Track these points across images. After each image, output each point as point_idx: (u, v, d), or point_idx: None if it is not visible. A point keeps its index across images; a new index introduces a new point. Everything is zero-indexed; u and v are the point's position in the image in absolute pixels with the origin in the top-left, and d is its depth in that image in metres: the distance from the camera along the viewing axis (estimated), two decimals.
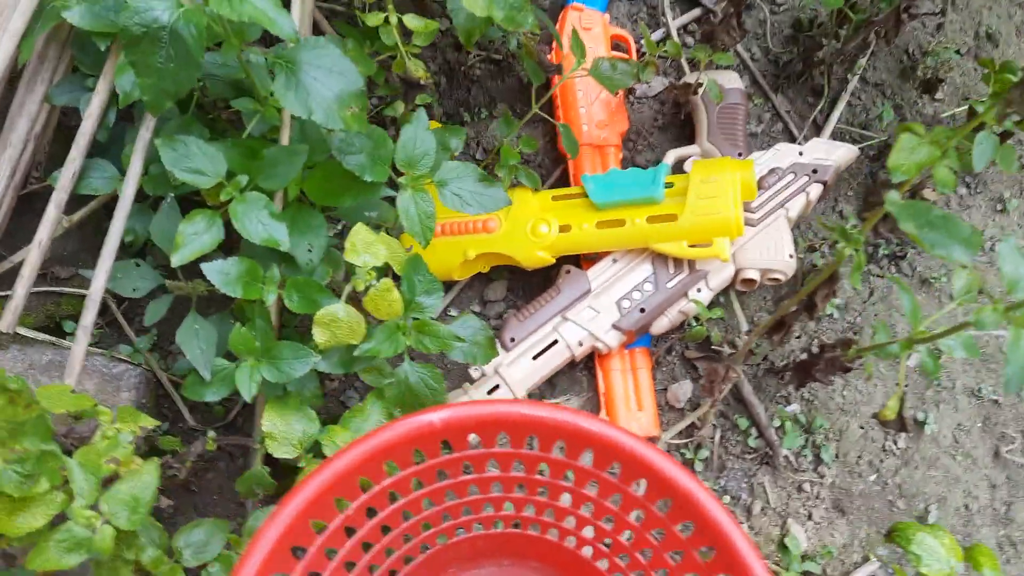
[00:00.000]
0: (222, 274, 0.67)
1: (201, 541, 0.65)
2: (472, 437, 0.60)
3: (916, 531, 0.67)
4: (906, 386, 0.92)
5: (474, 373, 0.87)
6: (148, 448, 0.79)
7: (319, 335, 0.67)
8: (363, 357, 0.70)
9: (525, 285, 0.97)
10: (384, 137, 0.71)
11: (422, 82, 0.80)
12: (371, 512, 0.62)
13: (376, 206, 0.75)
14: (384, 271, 0.71)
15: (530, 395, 0.90)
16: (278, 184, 0.69)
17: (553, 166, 1.00)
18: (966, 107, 0.97)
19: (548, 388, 0.93)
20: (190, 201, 0.74)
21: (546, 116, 0.91)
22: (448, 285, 0.96)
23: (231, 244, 0.70)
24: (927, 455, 0.91)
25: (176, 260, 0.65)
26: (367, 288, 0.67)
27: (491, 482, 0.67)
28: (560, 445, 0.60)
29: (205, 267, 0.67)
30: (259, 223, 0.67)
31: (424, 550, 0.74)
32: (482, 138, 1.00)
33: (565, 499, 0.69)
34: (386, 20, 0.73)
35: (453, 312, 0.96)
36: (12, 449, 0.41)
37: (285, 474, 0.74)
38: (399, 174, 0.73)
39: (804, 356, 0.87)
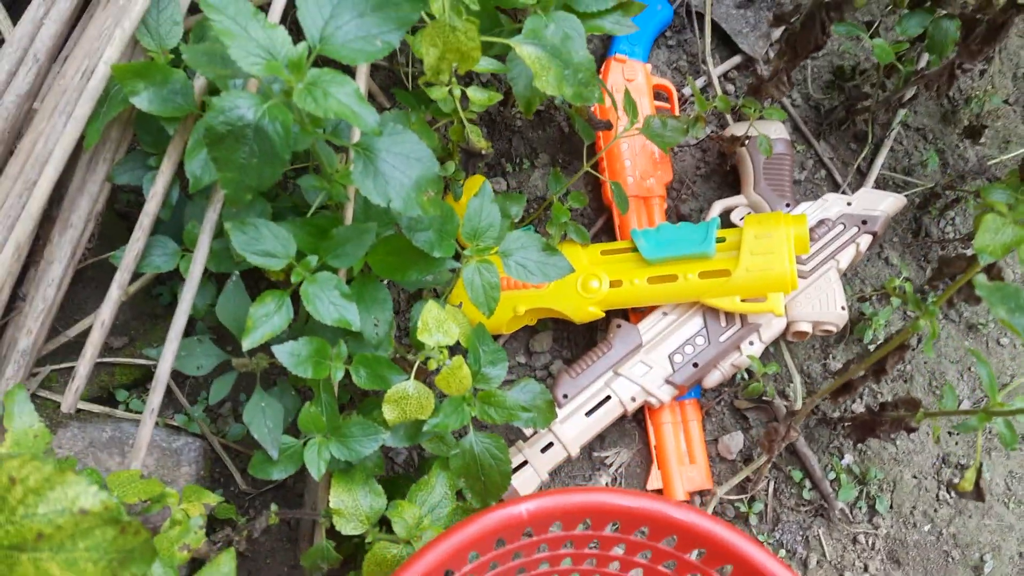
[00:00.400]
0: (293, 356, 0.67)
1: None
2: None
3: None
4: (980, 453, 0.93)
5: (527, 431, 0.87)
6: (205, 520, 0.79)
7: (389, 412, 0.67)
8: (430, 432, 0.70)
9: (571, 335, 0.97)
10: (452, 212, 0.71)
11: (483, 152, 0.80)
12: None
13: (441, 273, 0.75)
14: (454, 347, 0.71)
15: (582, 449, 0.90)
16: (347, 262, 0.69)
17: (596, 215, 1.00)
18: (1012, 154, 0.98)
19: (598, 441, 0.93)
20: (252, 276, 0.74)
21: (591, 170, 0.91)
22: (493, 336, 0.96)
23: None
24: (980, 504, 0.91)
25: (247, 343, 0.65)
26: (439, 367, 0.67)
27: (563, 558, 0.67)
28: (643, 530, 0.60)
29: (276, 349, 0.66)
30: (330, 304, 0.67)
31: None
32: (524, 188, 1.00)
33: (635, 573, 0.68)
34: (449, 92, 0.73)
35: None
36: None
37: (349, 546, 0.74)
38: (463, 245, 0.72)
39: (862, 409, 0.87)
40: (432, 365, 0.66)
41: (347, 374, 0.70)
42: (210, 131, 0.57)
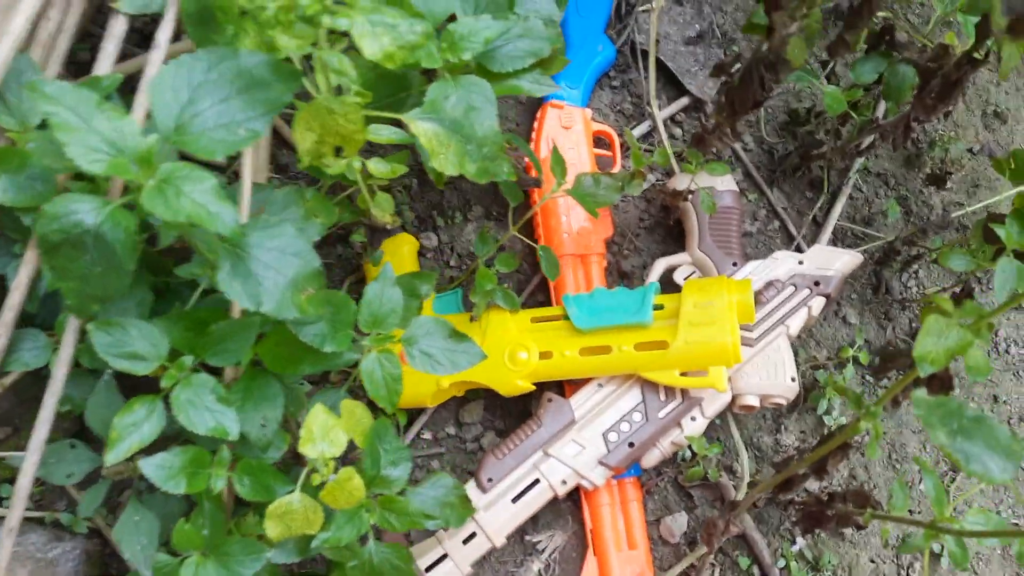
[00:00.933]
0: (162, 469, 0.60)
1: None
2: None
3: None
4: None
5: None
6: None
7: (272, 529, 0.60)
8: (321, 547, 0.63)
9: (504, 404, 0.90)
10: (346, 302, 0.64)
11: (388, 226, 0.72)
12: None
13: (339, 366, 0.68)
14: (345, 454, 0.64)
15: (509, 537, 0.83)
16: (227, 361, 0.62)
17: (533, 272, 0.93)
18: (979, 204, 0.91)
19: (530, 523, 0.86)
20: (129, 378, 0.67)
21: (517, 235, 0.84)
22: (419, 409, 0.89)
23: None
24: None
25: (111, 458, 0.58)
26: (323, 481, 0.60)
27: None
28: None
29: (143, 464, 0.60)
30: (205, 410, 0.60)
31: None
32: (456, 243, 0.93)
33: None
34: (348, 166, 0.66)
35: (427, 435, 0.89)
36: None
37: None
38: (361, 333, 0.66)
39: (811, 499, 0.80)
40: (316, 480, 0.59)
41: None
42: (43, 240, 0.50)
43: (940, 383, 0.61)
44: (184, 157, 0.53)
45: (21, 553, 0.67)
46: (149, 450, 0.60)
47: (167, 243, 0.59)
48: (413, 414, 0.89)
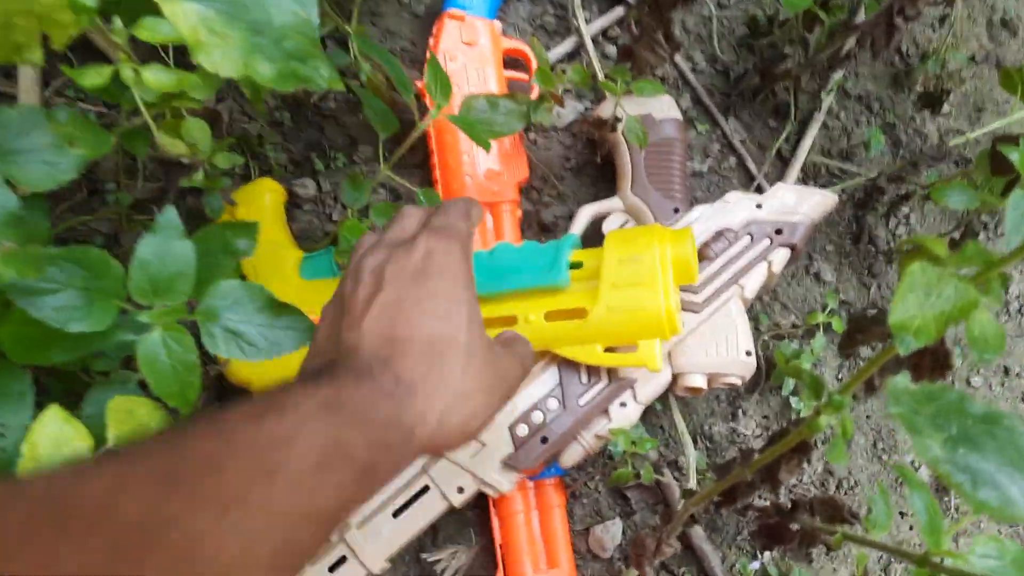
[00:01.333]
0: None
1: None
2: None
3: None
4: None
5: None
6: None
7: None
8: None
9: None
10: (104, 263, 0.46)
11: (185, 161, 0.54)
12: None
13: (109, 348, 0.51)
14: None
15: (392, 561, 0.66)
16: None
17: None
18: (984, 130, 0.72)
19: (429, 534, 0.69)
20: None
21: (391, 174, 0.66)
22: None
23: None
24: None
25: None
26: None
27: None
28: None
29: None
30: None
31: None
32: (339, 192, 0.75)
33: None
34: (115, 76, 0.48)
35: None
36: None
37: None
38: (138, 306, 0.48)
39: (770, 507, 0.63)
40: None
41: None
42: None
43: (932, 362, 0.43)
44: None
45: None
46: None
47: None
48: None
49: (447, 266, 0.44)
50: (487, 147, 0.61)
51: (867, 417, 0.70)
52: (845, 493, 0.69)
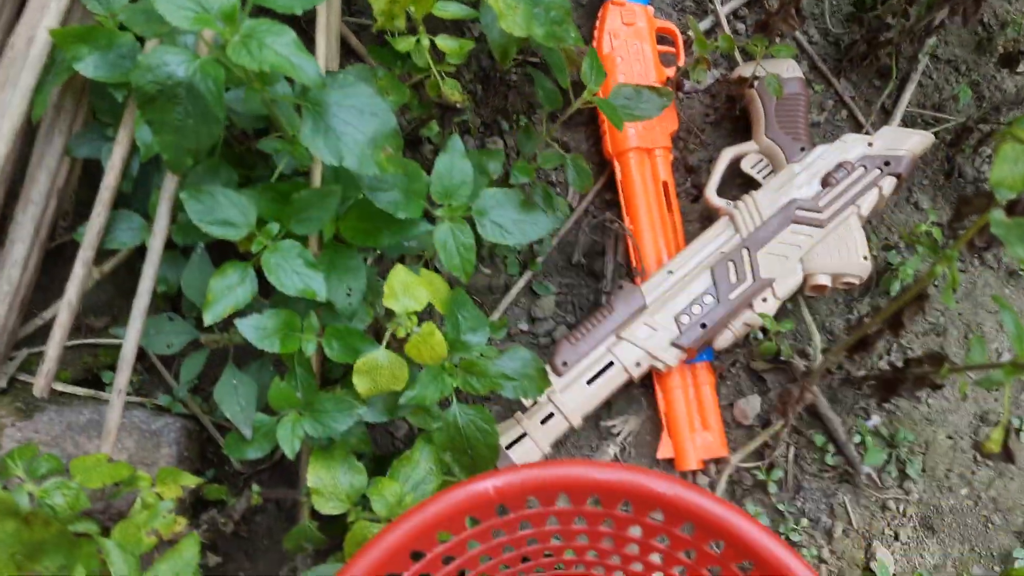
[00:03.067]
0: (258, 329, 0.64)
1: None
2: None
3: None
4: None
5: (526, 401, 0.83)
6: (194, 500, 0.77)
7: (360, 384, 0.64)
8: (408, 404, 0.66)
9: (575, 299, 0.92)
10: (418, 171, 0.66)
11: (458, 105, 0.75)
12: None
13: (415, 236, 0.71)
14: (426, 312, 0.67)
15: (586, 419, 0.85)
16: (311, 229, 0.65)
17: (599, 171, 0.94)
18: None
19: (604, 409, 0.88)
20: (222, 247, 0.70)
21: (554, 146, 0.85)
22: (493, 302, 0.92)
23: (266, 289, 0.67)
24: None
25: (209, 318, 0.62)
26: (408, 334, 0.63)
27: (551, 535, 0.62)
28: (625, 503, 0.55)
29: (240, 323, 0.63)
30: (294, 273, 0.63)
31: None
32: (521, 152, 0.95)
33: (632, 547, 0.64)
34: (417, 42, 0.68)
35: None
36: (32, 572, 0.38)
37: (334, 525, 0.71)
38: (435, 205, 0.68)
39: (886, 367, 0.81)
40: (401, 332, 0.62)
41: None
42: (139, 91, 0.53)
43: (1020, 208, 0.60)
44: (263, 13, 0.55)
45: (127, 424, 0.72)
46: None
47: (250, 110, 0.62)
48: (487, 310, 0.92)
49: None
50: (620, 127, 0.76)
51: (959, 314, 0.87)
52: None
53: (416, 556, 0.56)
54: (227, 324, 0.70)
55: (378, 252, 0.81)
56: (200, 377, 0.83)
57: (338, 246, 0.69)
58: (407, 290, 0.63)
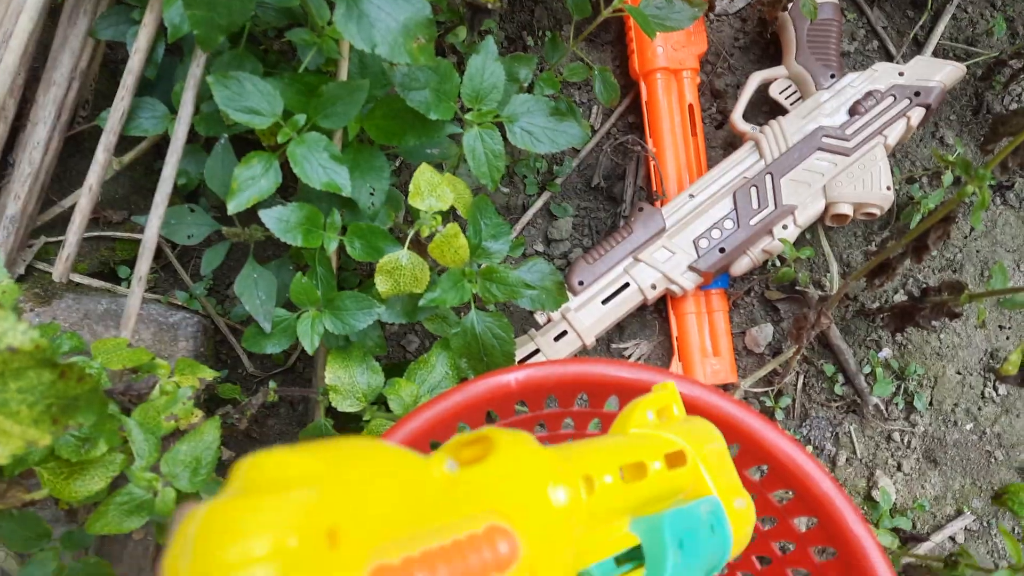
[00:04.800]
0: (281, 221, 0.63)
1: None
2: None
3: None
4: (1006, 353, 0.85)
5: (540, 318, 0.83)
6: (207, 397, 0.77)
7: (382, 284, 0.63)
8: (427, 307, 0.66)
9: (593, 221, 0.91)
10: (451, 70, 0.65)
11: (489, 6, 0.73)
12: None
13: (439, 143, 0.70)
14: (449, 215, 0.66)
15: (598, 341, 0.85)
16: (338, 123, 0.64)
17: (624, 92, 0.93)
18: None
19: (616, 332, 0.88)
20: (245, 141, 0.70)
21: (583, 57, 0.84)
22: (511, 221, 0.91)
23: (288, 187, 0.66)
24: None
25: (232, 207, 0.61)
26: (432, 234, 0.62)
27: (566, 438, 0.63)
28: None
29: (263, 214, 0.63)
30: (319, 166, 0.62)
31: None
32: (547, 65, 0.93)
33: None
34: None
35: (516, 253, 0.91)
36: (66, 426, 0.38)
37: (350, 424, 0.71)
38: (464, 109, 0.67)
39: (902, 298, 0.81)
40: (425, 232, 0.62)
41: (345, 253, 0.66)
42: None
43: None
44: None
45: (144, 316, 0.72)
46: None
47: (280, 1, 0.61)
48: None
49: None
50: (652, 36, 0.75)
51: (976, 252, 0.87)
52: None
53: (435, 447, 0.56)
54: (248, 219, 0.70)
55: (398, 161, 0.81)
56: (215, 279, 0.83)
57: (362, 145, 0.68)
58: (433, 189, 0.62)
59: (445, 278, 0.66)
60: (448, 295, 0.66)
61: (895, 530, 0.79)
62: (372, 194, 0.67)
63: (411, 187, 0.62)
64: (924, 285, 0.85)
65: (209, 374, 0.67)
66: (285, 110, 0.63)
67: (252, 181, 0.62)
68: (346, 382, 0.66)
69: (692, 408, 0.52)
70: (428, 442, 0.54)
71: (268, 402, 0.74)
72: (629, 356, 0.88)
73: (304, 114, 0.63)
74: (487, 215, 0.68)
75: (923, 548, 0.79)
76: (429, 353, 0.69)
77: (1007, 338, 0.85)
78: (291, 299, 0.65)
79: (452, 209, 0.67)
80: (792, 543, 0.56)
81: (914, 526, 0.81)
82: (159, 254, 0.81)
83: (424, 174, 0.63)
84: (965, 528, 0.81)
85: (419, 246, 0.66)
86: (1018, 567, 0.63)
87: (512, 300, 0.68)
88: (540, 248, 0.91)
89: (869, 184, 0.81)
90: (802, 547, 0.55)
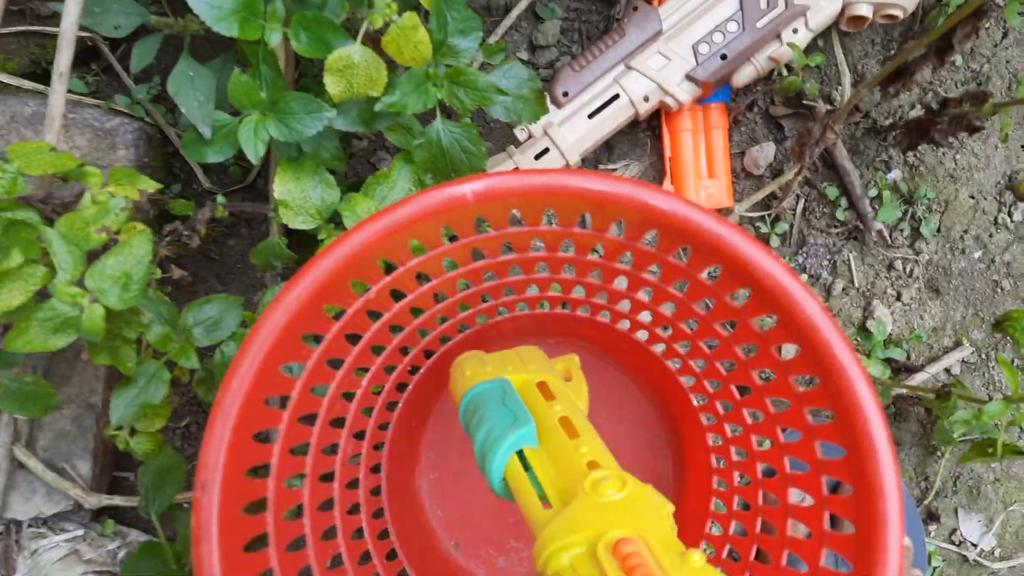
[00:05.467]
0: (212, 7, 0.55)
1: (213, 318, 0.58)
2: (514, 213, 0.50)
3: None
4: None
5: (520, 134, 0.76)
6: (158, 213, 0.72)
7: (332, 84, 0.56)
8: (386, 112, 0.59)
9: (583, 25, 0.82)
10: None
11: None
12: (397, 295, 0.54)
13: None
14: (411, 3, 0.58)
15: (584, 160, 0.79)
16: None
17: None
18: None
19: (604, 151, 0.81)
20: None
21: None
22: (491, 24, 0.82)
23: None
24: None
25: None
26: (386, 25, 0.54)
27: (536, 262, 0.58)
28: (619, 223, 0.50)
29: (192, 1, 0.54)
30: None
31: (462, 330, 0.67)
32: None
33: (620, 282, 0.60)
34: None
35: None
36: None
37: (306, 244, 0.66)
38: None
39: (918, 112, 0.73)
40: (377, 22, 0.54)
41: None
42: None
43: None
44: None
45: (77, 121, 0.65)
46: None
47: None
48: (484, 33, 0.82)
49: None
50: None
51: (1007, 62, 0.78)
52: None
53: (387, 267, 0.51)
54: (184, 8, 0.62)
55: None
56: (162, 83, 0.75)
57: None
58: None
59: (405, 79, 0.58)
60: (409, 99, 0.58)
61: (887, 360, 0.75)
62: None
63: None
64: (944, 98, 0.77)
65: (150, 185, 0.61)
66: None
67: None
68: (297, 196, 0.60)
69: (668, 225, 0.46)
70: (377, 260, 0.49)
71: (222, 219, 0.68)
72: None
73: None
74: (454, 5, 0.60)
75: (916, 379, 0.76)
76: (390, 167, 0.62)
77: None
78: (229, 99, 0.58)
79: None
80: (774, 372, 0.51)
81: (909, 357, 0.78)
82: (97, 55, 0.73)
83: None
84: (963, 360, 0.78)
85: (376, 42, 0.58)
86: (1014, 398, 0.60)
87: (483, 107, 0.61)
88: (524, 56, 0.83)
89: None
90: (783, 376, 0.51)
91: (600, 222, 0.50)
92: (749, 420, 0.60)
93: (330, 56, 0.55)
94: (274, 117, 0.58)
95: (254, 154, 0.58)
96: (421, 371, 0.68)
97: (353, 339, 0.54)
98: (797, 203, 0.79)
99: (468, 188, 0.46)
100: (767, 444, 0.58)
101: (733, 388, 0.60)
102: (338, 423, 0.58)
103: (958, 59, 0.78)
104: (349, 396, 0.58)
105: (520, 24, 0.82)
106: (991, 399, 0.69)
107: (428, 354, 0.67)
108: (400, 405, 0.67)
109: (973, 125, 0.62)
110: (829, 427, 0.47)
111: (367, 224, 0.46)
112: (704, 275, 0.51)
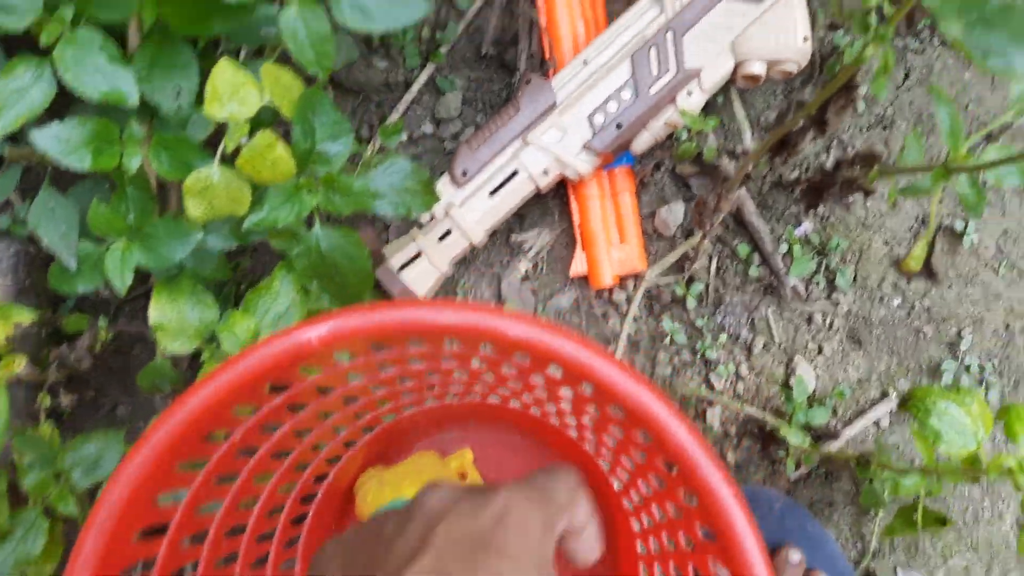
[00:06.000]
0: (60, 141, 0.53)
1: (92, 457, 0.56)
2: None
3: (937, 399, 0.55)
4: (938, 222, 0.77)
5: (422, 217, 0.74)
6: (51, 331, 0.69)
7: (192, 207, 0.54)
8: (255, 229, 0.57)
9: (485, 96, 0.81)
10: None
11: None
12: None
13: (254, 23, 0.59)
14: (272, 118, 0.56)
15: (496, 232, 0.77)
16: (118, 14, 0.53)
17: None
18: None
19: (516, 221, 0.79)
20: (18, 40, 0.58)
21: None
22: (392, 101, 0.80)
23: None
24: (964, 271, 0.77)
25: None
26: (238, 148, 0.52)
27: (426, 372, 0.56)
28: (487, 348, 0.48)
29: (35, 135, 0.52)
30: (96, 72, 0.52)
31: (367, 432, 0.65)
32: None
33: (514, 384, 0.58)
34: None
35: (403, 135, 0.81)
36: None
37: (194, 362, 0.64)
38: None
39: (825, 159, 0.71)
40: (230, 145, 0.52)
41: None
42: None
43: None
44: None
45: None
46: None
47: None
48: (385, 110, 0.81)
49: (519, 543, 0.33)
50: None
51: (910, 104, 0.77)
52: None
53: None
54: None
55: (231, 46, 0.69)
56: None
57: (162, 38, 0.57)
58: (235, 91, 0.52)
59: (274, 194, 0.56)
60: (279, 213, 0.56)
61: (806, 427, 0.73)
62: (179, 94, 0.56)
63: (207, 90, 0.52)
64: (848, 149, 0.76)
65: (26, 318, 0.59)
66: (47, 2, 0.52)
67: (19, 95, 0.52)
68: (174, 319, 0.58)
69: (529, 349, 0.44)
70: (201, 437, 0.46)
71: (106, 341, 0.66)
72: (529, 248, 0.79)
73: (72, 5, 0.52)
74: (321, 112, 0.58)
75: (845, 436, 0.74)
76: (271, 277, 0.61)
77: (941, 201, 0.77)
78: (91, 230, 0.56)
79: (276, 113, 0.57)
80: (663, 481, 0.50)
81: (835, 412, 0.76)
82: None
83: (223, 72, 0.52)
84: (891, 411, 0.76)
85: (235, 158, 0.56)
86: (929, 469, 0.58)
87: (362, 210, 0.59)
88: (428, 130, 0.81)
89: (783, 37, 0.70)
90: (671, 486, 0.49)
91: (466, 347, 0.48)
92: (658, 516, 0.58)
93: (188, 180, 0.53)
94: (140, 243, 0.56)
95: (121, 284, 0.56)
96: (328, 479, 0.66)
97: (229, 479, 0.51)
98: (710, 262, 0.77)
99: (313, 334, 0.44)
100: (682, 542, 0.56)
101: (640, 482, 0.58)
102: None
103: (860, 105, 0.76)
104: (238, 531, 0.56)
105: (421, 98, 0.81)
106: (914, 461, 0.68)
107: (333, 461, 0.65)
108: (308, 519, 0.65)
109: (865, 188, 0.61)
110: (714, 546, 0.45)
111: (187, 398, 0.43)
112: (582, 387, 0.49)
